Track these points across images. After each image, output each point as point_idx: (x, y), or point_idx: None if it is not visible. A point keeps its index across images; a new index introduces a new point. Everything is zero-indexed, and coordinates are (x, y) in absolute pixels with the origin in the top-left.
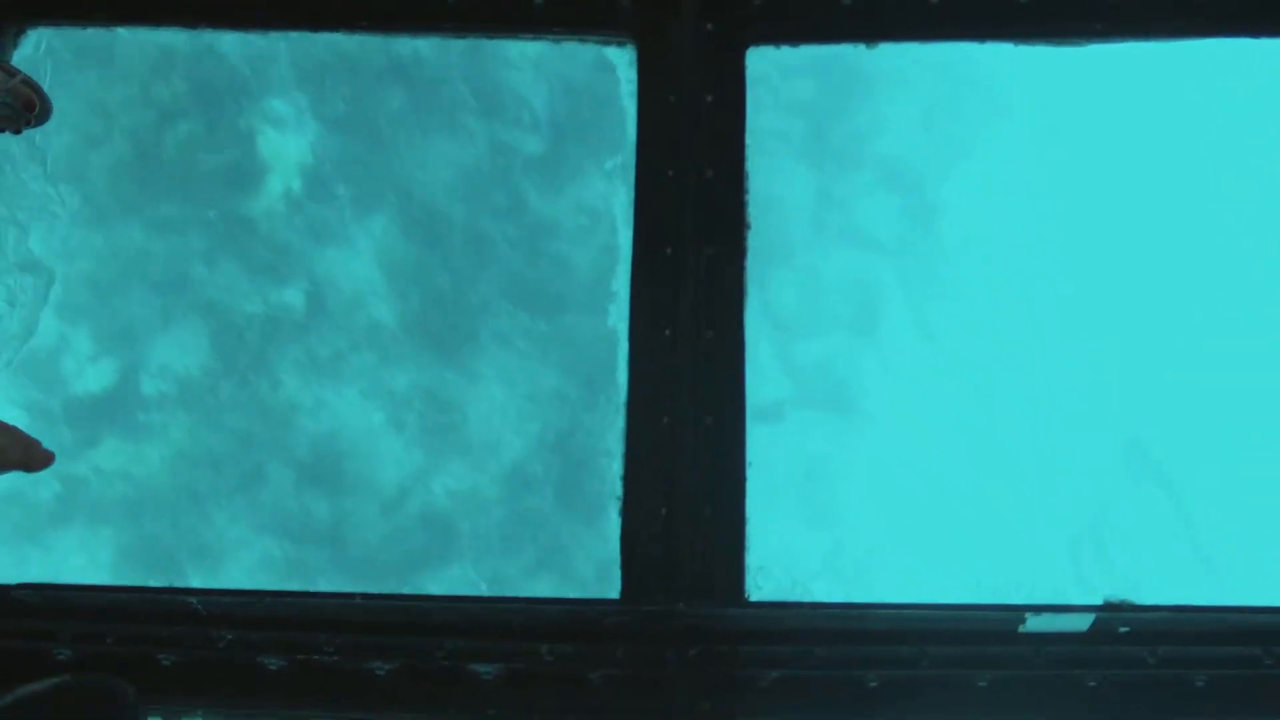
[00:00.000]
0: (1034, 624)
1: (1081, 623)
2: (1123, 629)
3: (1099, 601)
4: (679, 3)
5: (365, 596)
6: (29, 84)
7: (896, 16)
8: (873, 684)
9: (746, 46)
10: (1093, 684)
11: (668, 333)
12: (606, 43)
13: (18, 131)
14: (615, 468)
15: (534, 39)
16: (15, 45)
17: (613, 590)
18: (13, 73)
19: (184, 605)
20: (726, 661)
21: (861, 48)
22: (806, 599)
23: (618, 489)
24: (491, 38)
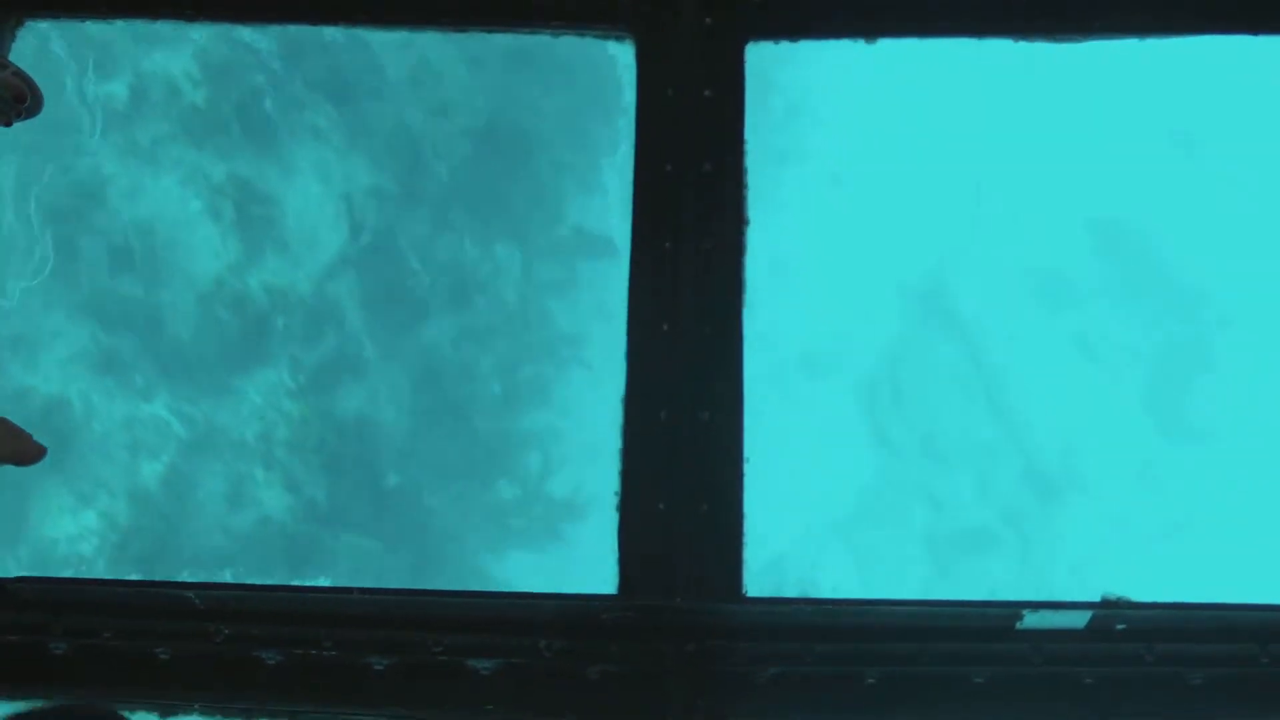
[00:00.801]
0: (1031, 621)
1: (1078, 620)
2: (1119, 626)
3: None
4: None
5: (363, 591)
6: (20, 76)
7: (895, 12)
8: (870, 681)
9: (746, 41)
10: (1089, 681)
11: (665, 327)
12: (605, 37)
13: (8, 124)
14: (613, 463)
15: (533, 33)
16: (13, 38)
17: (609, 585)
18: (4, 65)
19: (181, 599)
20: (724, 657)
21: (860, 43)
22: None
23: (615, 484)
24: (491, 31)
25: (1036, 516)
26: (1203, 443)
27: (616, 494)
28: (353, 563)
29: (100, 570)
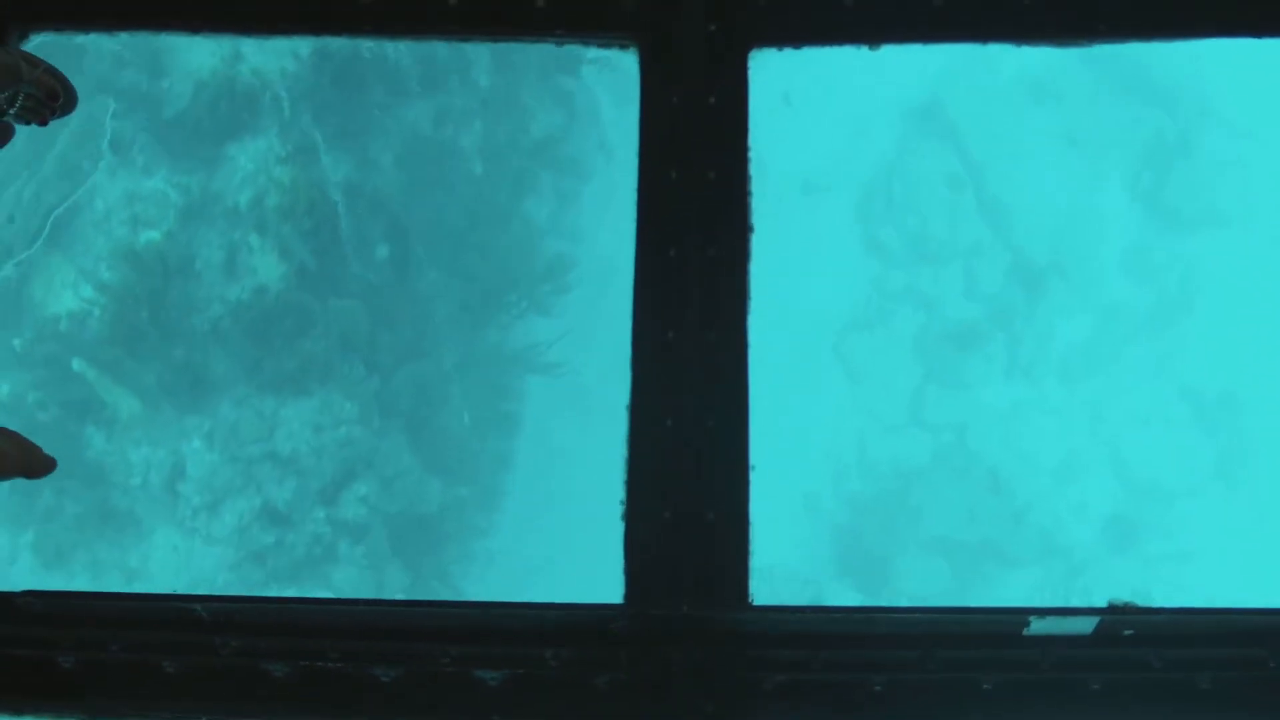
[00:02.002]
0: (1038, 627)
1: (1085, 625)
2: (1127, 631)
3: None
4: (681, 4)
5: (369, 603)
6: (52, 73)
7: (899, 17)
8: (877, 688)
9: (750, 49)
10: (1097, 687)
11: (671, 335)
12: (609, 44)
13: (43, 123)
14: (618, 471)
15: (536, 41)
16: (19, 49)
17: (615, 594)
18: (35, 63)
19: (188, 612)
20: (731, 665)
21: (865, 49)
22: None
23: (620, 492)
24: (494, 40)
25: (1024, 309)
26: (1190, 230)
27: (622, 502)
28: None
29: (102, 334)
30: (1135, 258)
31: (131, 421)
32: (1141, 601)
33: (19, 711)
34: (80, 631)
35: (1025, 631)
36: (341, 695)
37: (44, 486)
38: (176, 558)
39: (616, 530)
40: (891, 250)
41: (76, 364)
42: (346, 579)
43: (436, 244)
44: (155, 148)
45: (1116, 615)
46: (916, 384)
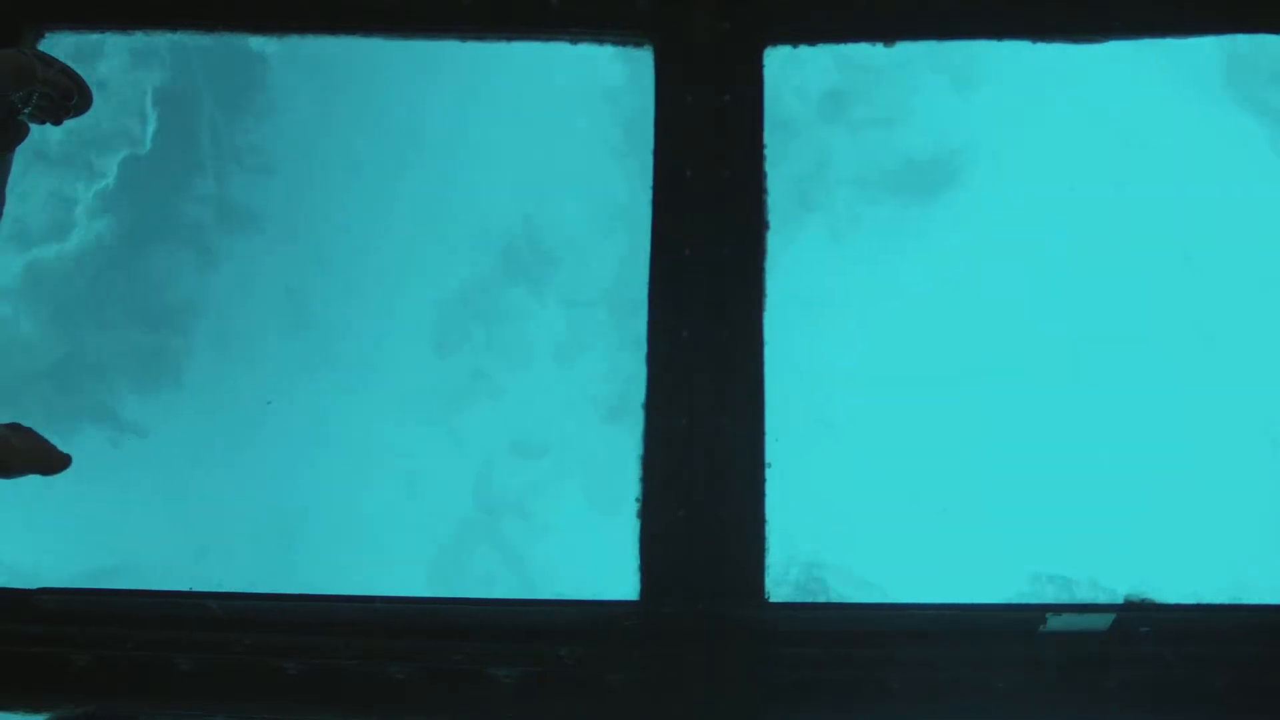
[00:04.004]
0: (1054, 624)
1: (1102, 622)
2: (1143, 628)
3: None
4: (696, 2)
5: (384, 600)
6: (67, 73)
7: (913, 15)
8: (893, 685)
9: (764, 46)
10: (1112, 685)
11: (686, 334)
12: (623, 43)
13: (58, 122)
14: (633, 469)
15: (550, 40)
16: (35, 49)
17: (631, 592)
18: (50, 62)
19: (202, 609)
20: (746, 663)
21: (880, 46)
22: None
23: (636, 490)
24: (508, 39)
25: None
26: None
27: (637, 500)
28: None
29: None
30: None
31: None
32: (1158, 598)
33: (34, 709)
34: (94, 629)
35: (1042, 629)
36: (355, 692)
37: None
38: None
39: (632, 527)
40: None
41: None
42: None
43: None
44: None
45: (1133, 612)
46: None
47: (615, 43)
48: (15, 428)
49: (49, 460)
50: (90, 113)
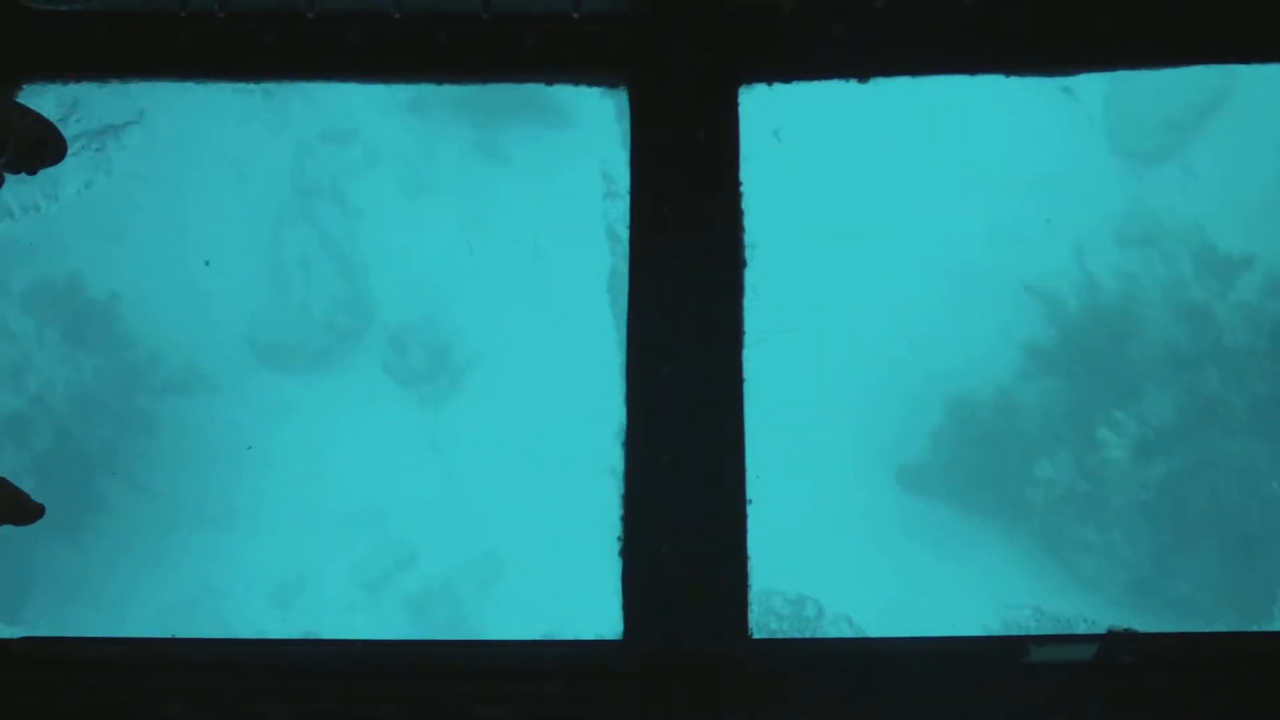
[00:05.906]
0: (1039, 655)
1: (1085, 652)
2: (1127, 658)
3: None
4: (670, 43)
5: (368, 644)
6: (40, 123)
7: (887, 51)
8: (879, 718)
9: (739, 84)
10: (1098, 714)
11: (665, 370)
12: (599, 84)
13: (32, 172)
14: (615, 508)
15: (526, 82)
16: (13, 100)
17: (614, 630)
18: (25, 113)
19: (189, 655)
20: (731, 699)
21: (854, 83)
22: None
23: (618, 529)
24: (485, 82)
25: None
26: None
27: (619, 539)
28: None
29: None
30: None
31: None
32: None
33: None
34: (80, 675)
35: (1026, 660)
36: None
37: None
38: None
39: (614, 565)
40: None
41: None
42: None
43: None
44: None
45: (1117, 642)
46: None
47: (591, 84)
48: None
49: (22, 511)
50: None
